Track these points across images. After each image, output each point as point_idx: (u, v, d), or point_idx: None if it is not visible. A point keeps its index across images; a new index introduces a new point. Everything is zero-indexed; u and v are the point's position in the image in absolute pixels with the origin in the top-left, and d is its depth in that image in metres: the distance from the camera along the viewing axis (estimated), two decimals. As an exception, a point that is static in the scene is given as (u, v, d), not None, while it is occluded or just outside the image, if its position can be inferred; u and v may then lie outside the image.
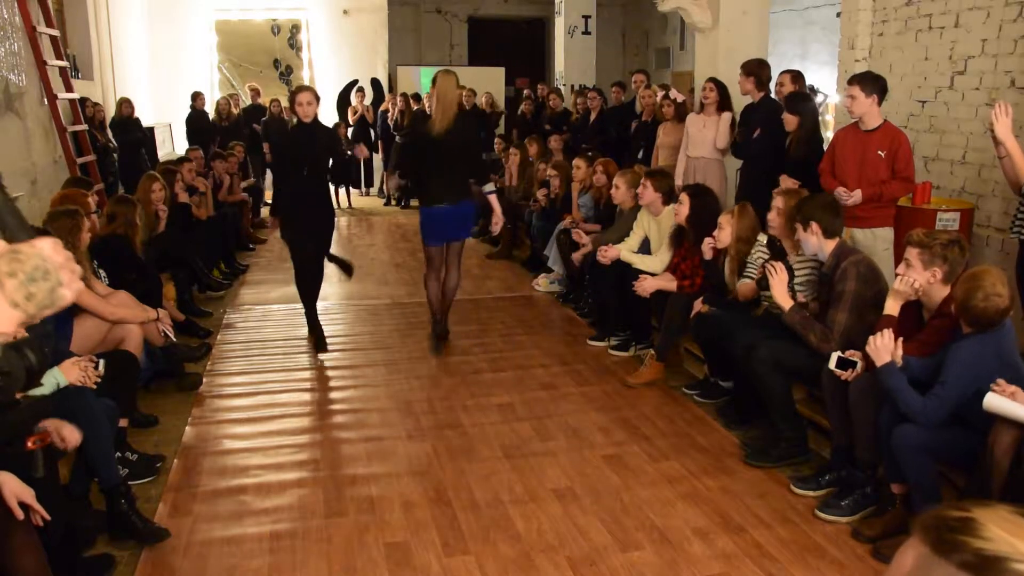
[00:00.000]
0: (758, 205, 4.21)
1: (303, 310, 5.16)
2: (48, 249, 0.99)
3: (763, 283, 3.57)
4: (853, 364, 3.01)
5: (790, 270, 3.52)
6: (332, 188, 6.46)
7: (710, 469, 3.42)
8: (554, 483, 3.31)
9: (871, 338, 2.78)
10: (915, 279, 2.87)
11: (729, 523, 2.99)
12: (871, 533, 2.86)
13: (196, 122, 9.72)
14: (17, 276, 0.99)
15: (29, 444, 1.05)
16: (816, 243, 3.39)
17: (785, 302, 3.35)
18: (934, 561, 0.70)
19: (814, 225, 3.36)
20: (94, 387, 2.87)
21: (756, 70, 5.34)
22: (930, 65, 5.15)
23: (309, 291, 5.08)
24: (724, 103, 5.72)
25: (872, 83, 4.11)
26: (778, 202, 3.80)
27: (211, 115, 9.95)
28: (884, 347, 2.74)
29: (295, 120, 4.83)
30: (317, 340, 5.01)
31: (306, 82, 12.01)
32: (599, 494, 3.21)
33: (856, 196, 4.06)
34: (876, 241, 4.18)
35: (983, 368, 2.62)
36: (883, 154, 4.10)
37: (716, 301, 4.08)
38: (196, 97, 9.85)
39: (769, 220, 3.86)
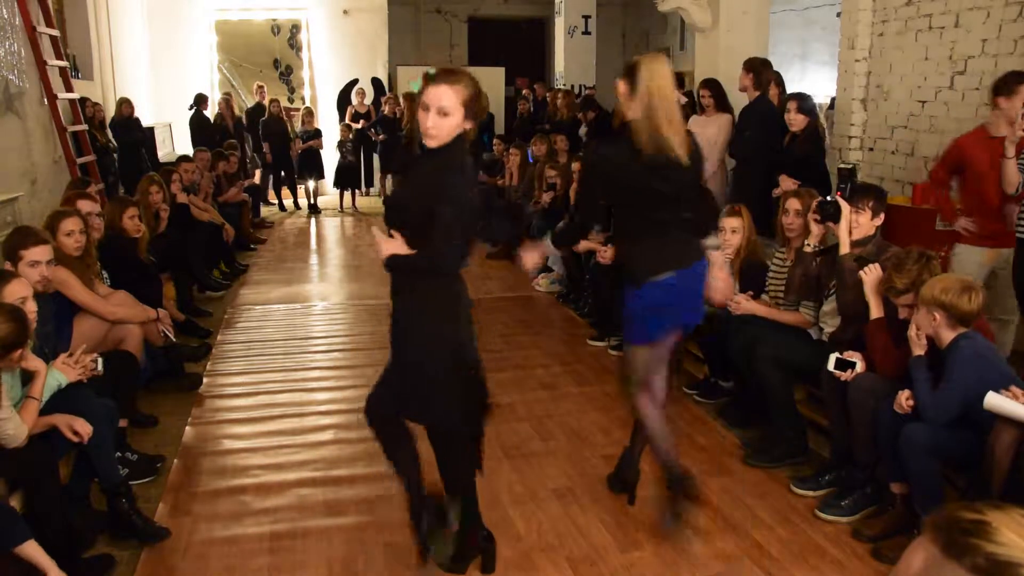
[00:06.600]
0: (752, 205, 4.19)
1: (304, 310, 5.08)
2: None
3: (828, 212, 3.36)
4: (852, 365, 3.01)
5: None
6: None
7: (710, 469, 3.42)
8: (554, 483, 3.31)
9: (913, 331, 2.80)
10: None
11: (729, 523, 2.99)
12: (871, 533, 2.85)
13: (201, 124, 9.73)
14: None
15: None
16: (868, 229, 3.33)
17: (846, 242, 3.29)
18: (944, 563, 0.69)
19: (882, 215, 3.34)
20: (92, 375, 2.97)
21: (758, 68, 5.28)
22: (930, 65, 5.14)
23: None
24: (721, 104, 5.71)
25: None
26: (793, 204, 3.73)
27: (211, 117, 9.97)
28: (922, 341, 2.81)
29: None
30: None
31: (306, 83, 11.96)
32: (599, 494, 3.20)
33: (968, 224, 3.92)
34: (998, 259, 3.98)
35: (983, 362, 2.65)
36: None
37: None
38: (201, 100, 9.85)
39: (786, 224, 3.78)
